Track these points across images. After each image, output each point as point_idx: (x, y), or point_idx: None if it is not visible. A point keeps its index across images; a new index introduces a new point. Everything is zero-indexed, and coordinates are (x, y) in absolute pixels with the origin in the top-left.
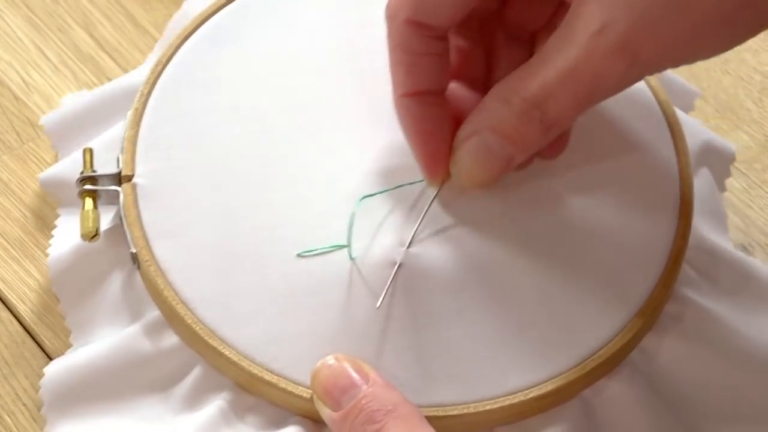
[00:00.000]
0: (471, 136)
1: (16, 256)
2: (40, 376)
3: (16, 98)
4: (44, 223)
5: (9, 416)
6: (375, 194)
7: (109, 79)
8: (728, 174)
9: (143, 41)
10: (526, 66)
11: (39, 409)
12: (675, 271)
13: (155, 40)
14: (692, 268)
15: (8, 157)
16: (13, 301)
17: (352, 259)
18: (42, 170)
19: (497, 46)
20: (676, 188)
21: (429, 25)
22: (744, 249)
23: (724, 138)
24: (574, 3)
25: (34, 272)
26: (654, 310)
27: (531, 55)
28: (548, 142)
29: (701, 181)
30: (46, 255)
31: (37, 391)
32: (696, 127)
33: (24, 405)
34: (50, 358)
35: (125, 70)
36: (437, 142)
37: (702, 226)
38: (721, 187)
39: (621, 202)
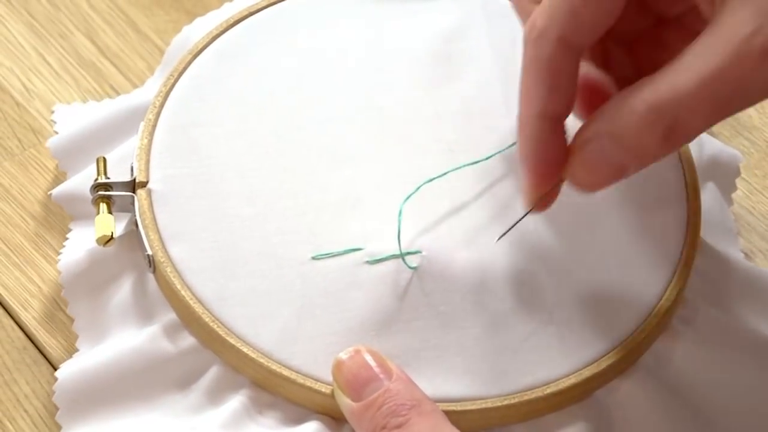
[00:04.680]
0: (588, 140)
1: (18, 262)
2: (41, 382)
3: (18, 104)
4: (46, 230)
5: (10, 422)
6: (435, 178)
7: (111, 86)
8: (734, 188)
9: (144, 48)
10: (658, 73)
11: (49, 414)
12: (684, 278)
13: (156, 47)
14: (701, 276)
15: (9, 163)
16: (15, 308)
17: (412, 268)
18: (43, 176)
19: (611, 58)
20: (683, 201)
21: (579, 43)
22: (745, 255)
23: (726, 143)
24: (717, 11)
25: (35, 278)
26: (666, 312)
27: (636, 64)
28: (666, 155)
29: (707, 196)
30: (48, 261)
31: (38, 397)
32: (702, 138)
33: (25, 411)
34: (51, 365)
35: (126, 77)
36: (549, 169)
37: (710, 237)
38: (729, 202)
39: (631, 215)
